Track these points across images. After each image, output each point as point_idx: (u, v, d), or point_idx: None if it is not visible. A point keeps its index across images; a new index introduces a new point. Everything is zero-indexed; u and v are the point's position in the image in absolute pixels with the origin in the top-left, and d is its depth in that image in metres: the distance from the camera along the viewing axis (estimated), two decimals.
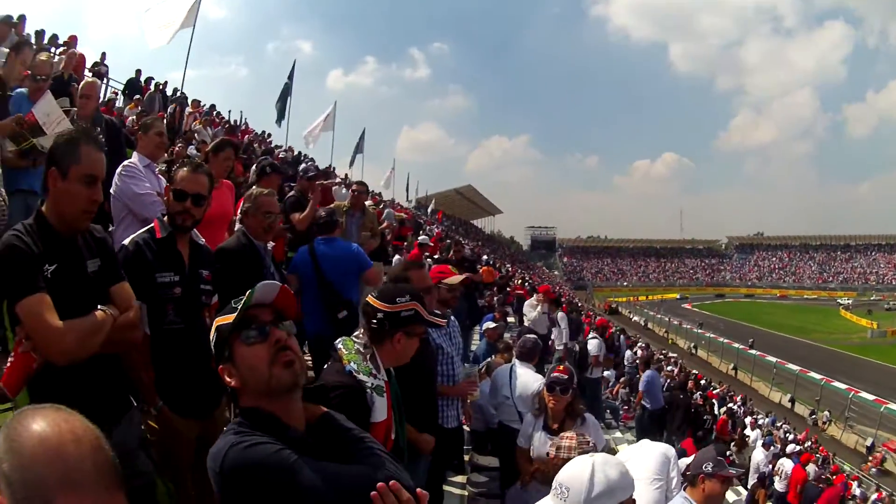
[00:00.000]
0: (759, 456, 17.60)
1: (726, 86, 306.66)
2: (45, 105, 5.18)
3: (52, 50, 14.86)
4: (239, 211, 5.30)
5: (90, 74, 16.06)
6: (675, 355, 39.48)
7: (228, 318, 2.15)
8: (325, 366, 3.26)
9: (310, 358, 6.50)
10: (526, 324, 12.42)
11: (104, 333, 3.01)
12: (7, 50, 9.14)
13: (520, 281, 31.74)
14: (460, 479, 7.54)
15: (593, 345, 14.65)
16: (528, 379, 6.99)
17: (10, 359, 2.84)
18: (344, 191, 13.47)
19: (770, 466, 17.52)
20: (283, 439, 2.07)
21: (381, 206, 19.64)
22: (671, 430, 15.44)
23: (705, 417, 20.49)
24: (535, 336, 7.94)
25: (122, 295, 3.25)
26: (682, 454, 6.32)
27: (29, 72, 5.69)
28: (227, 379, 2.17)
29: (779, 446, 22.17)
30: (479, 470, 8.34)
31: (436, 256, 13.94)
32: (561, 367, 5.82)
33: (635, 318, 74.04)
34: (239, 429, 2.11)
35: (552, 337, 12.99)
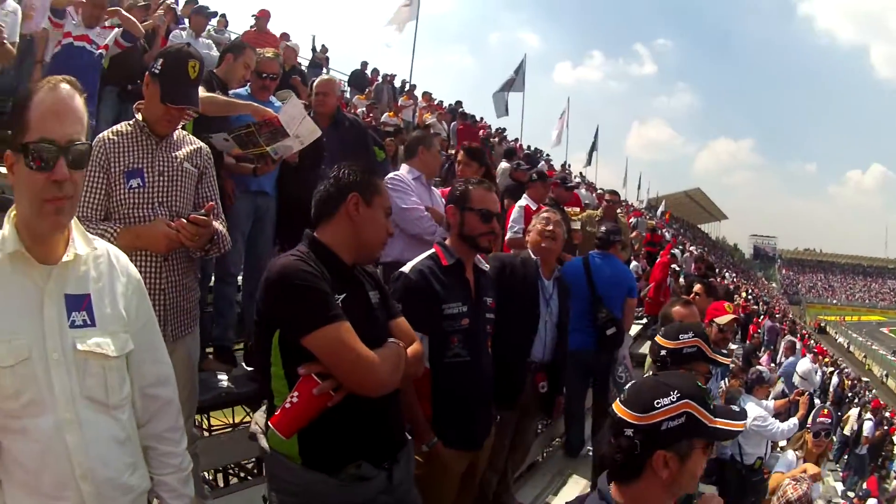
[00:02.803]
0: None
1: None
2: (292, 108, 4.91)
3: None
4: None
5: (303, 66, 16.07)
6: (867, 380, 36.56)
7: None
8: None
9: None
10: (796, 381, 13.20)
11: (403, 367, 2.79)
12: (208, 41, 8.89)
13: (745, 295, 29.60)
14: None
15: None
16: (755, 412, 6.80)
17: (290, 399, 2.55)
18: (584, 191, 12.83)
19: None
20: None
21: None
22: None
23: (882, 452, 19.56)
24: (762, 368, 8.06)
25: (402, 329, 3.02)
26: (866, 495, 6.63)
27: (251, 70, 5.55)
28: None
29: None
30: None
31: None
32: (825, 411, 5.98)
33: (840, 340, 68.87)
34: None
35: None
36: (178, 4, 11.71)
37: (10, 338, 1.85)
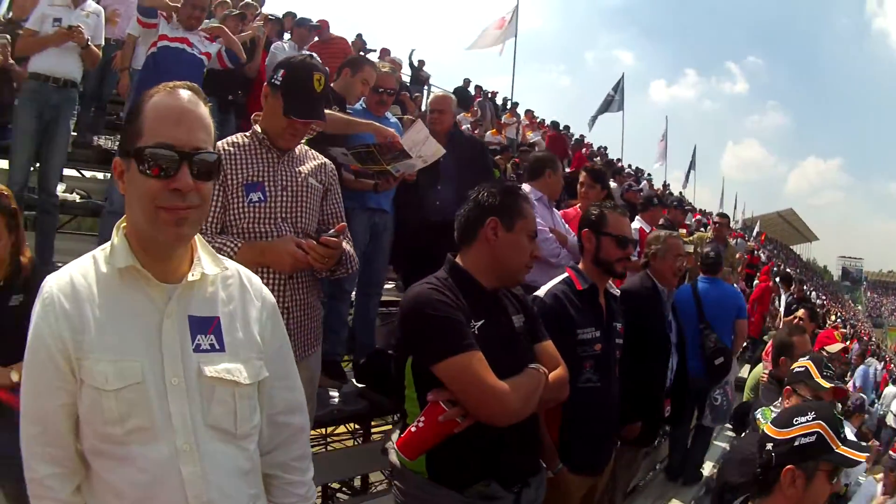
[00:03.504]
0: None
1: None
2: (416, 134, 4.94)
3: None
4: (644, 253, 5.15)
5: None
6: None
7: None
8: (743, 434, 3.26)
9: None
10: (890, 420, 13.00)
11: (540, 393, 2.76)
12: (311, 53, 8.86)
13: (834, 318, 28.68)
14: None
15: None
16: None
17: (417, 423, 2.59)
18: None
19: None
20: None
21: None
22: None
23: None
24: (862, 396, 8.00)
25: (548, 352, 2.99)
26: None
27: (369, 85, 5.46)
28: None
29: None
30: None
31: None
32: None
33: None
34: None
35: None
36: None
37: (118, 359, 1.68)
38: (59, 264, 6.09)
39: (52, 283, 1.72)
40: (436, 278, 2.78)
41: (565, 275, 3.75)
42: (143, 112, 1.71)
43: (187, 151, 1.68)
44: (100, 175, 8.51)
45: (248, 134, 3.32)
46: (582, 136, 24.49)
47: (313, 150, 3.49)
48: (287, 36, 10.56)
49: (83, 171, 8.45)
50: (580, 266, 3.80)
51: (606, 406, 3.64)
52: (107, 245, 1.78)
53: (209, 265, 1.84)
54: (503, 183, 3.15)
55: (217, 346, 1.80)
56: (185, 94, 1.75)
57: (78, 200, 7.17)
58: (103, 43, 6.45)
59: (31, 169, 6.04)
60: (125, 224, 1.79)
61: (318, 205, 3.36)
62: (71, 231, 7.82)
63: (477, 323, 2.69)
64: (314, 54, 3.69)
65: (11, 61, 6.15)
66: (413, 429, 2.57)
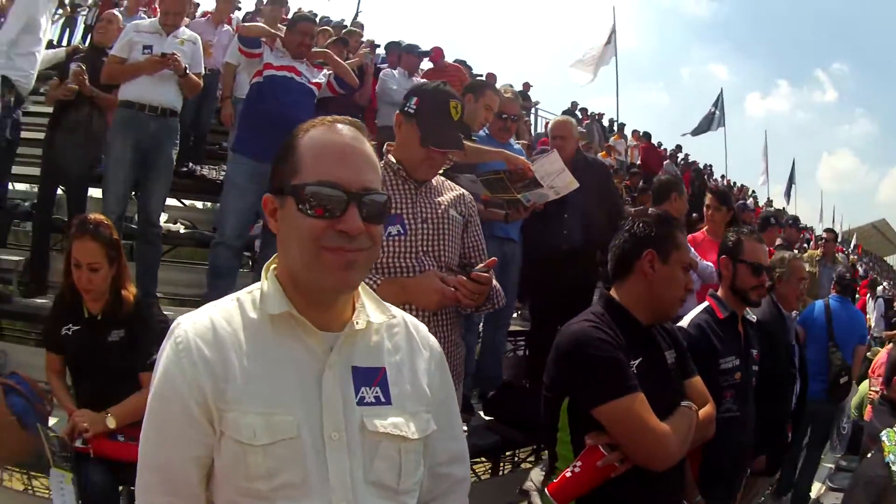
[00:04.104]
0: None
1: None
2: (550, 165, 4.83)
3: None
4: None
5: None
6: None
7: None
8: (869, 455, 3.16)
9: None
10: None
11: (693, 433, 2.70)
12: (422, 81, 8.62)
13: None
14: None
15: None
16: None
17: (573, 468, 2.52)
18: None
19: None
20: None
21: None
22: None
23: None
24: None
25: (698, 389, 2.92)
26: None
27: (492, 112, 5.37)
28: None
29: None
30: None
31: None
32: None
33: None
34: None
35: None
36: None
37: (269, 412, 1.50)
38: (160, 295, 6.03)
39: (188, 327, 1.54)
40: (593, 314, 2.71)
41: (706, 304, 3.69)
42: (297, 147, 1.58)
43: (355, 192, 1.52)
44: (199, 204, 8.52)
45: (381, 164, 3.06)
46: (678, 146, 24.16)
47: (450, 182, 3.34)
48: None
49: (184, 201, 8.50)
50: (719, 293, 3.74)
51: (743, 435, 3.57)
52: (253, 288, 1.63)
53: (374, 313, 1.67)
54: (657, 212, 3.05)
55: (383, 399, 1.63)
56: (346, 129, 1.61)
57: (182, 231, 7.09)
58: (203, 71, 6.30)
59: (127, 198, 5.94)
60: (276, 266, 1.64)
61: (459, 237, 3.18)
62: (170, 260, 7.80)
63: (635, 361, 2.61)
64: (446, 81, 3.47)
65: (95, 89, 5.98)
66: (568, 474, 2.50)
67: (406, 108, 3.08)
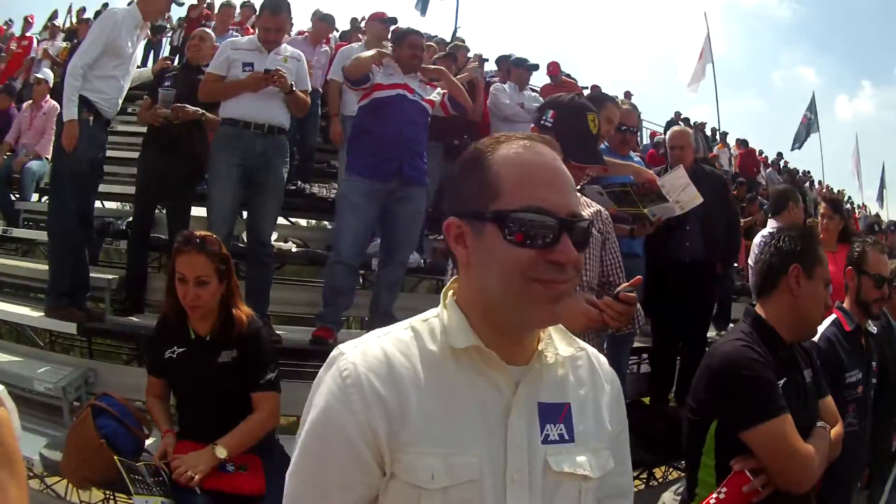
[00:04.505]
0: None
1: None
2: (675, 179, 4.91)
3: None
4: None
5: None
6: None
7: None
8: None
9: None
10: None
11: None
12: (533, 94, 8.49)
13: None
14: None
15: None
16: None
17: (717, 495, 2.48)
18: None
19: None
20: None
21: None
22: None
23: None
24: None
25: (830, 409, 2.89)
26: None
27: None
28: None
29: None
30: None
31: None
32: None
33: None
34: None
35: None
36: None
37: (450, 453, 1.39)
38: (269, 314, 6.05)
39: (357, 360, 1.43)
40: (743, 333, 2.69)
41: (833, 316, 3.62)
42: (490, 168, 1.45)
43: (565, 218, 1.40)
44: (302, 222, 8.59)
45: None
46: (780, 153, 23.94)
47: (585, 197, 3.25)
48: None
49: (291, 219, 8.60)
50: (845, 305, 3.70)
51: (861, 449, 3.54)
52: (428, 316, 1.53)
53: (562, 344, 1.58)
54: (800, 226, 3.06)
55: (567, 437, 1.53)
56: (545, 149, 1.49)
57: (294, 250, 7.09)
58: (310, 88, 6.26)
59: (234, 218, 5.97)
60: (454, 292, 1.54)
61: (599, 255, 3.09)
62: (277, 279, 7.79)
63: (780, 381, 2.59)
64: (580, 94, 3.39)
65: (201, 110, 6.02)
66: (713, 501, 2.47)
67: (543, 122, 3.00)
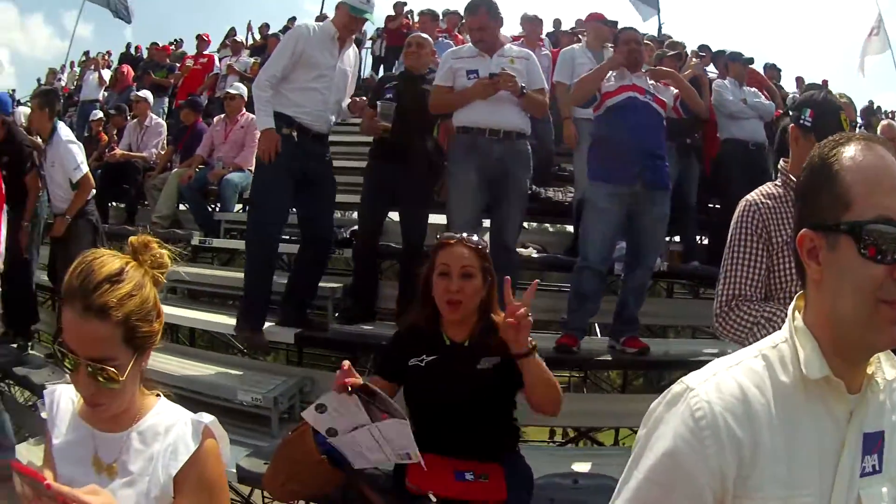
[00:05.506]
0: None
1: None
2: None
3: None
4: None
5: None
6: None
7: None
8: None
9: None
10: None
11: None
12: (753, 89, 8.10)
13: None
14: None
15: None
16: None
17: None
18: None
19: None
20: None
21: None
22: None
23: None
24: None
25: None
26: None
27: None
28: None
29: None
30: None
31: None
32: None
33: None
34: None
35: None
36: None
37: (789, 495, 1.27)
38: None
39: (710, 397, 1.29)
40: None
41: None
42: (838, 173, 1.32)
43: None
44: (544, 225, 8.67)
45: (778, 183, 2.96)
46: None
47: None
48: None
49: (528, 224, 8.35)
50: None
51: None
52: (777, 342, 1.38)
53: (888, 367, 1.41)
54: None
55: (878, 468, 1.37)
56: (885, 152, 1.34)
57: (535, 255, 6.91)
58: (546, 87, 6.04)
59: (477, 225, 5.81)
60: (802, 314, 1.39)
61: None
62: None
63: None
64: (830, 90, 3.16)
65: (441, 118, 5.96)
66: None
67: (802, 122, 2.97)
